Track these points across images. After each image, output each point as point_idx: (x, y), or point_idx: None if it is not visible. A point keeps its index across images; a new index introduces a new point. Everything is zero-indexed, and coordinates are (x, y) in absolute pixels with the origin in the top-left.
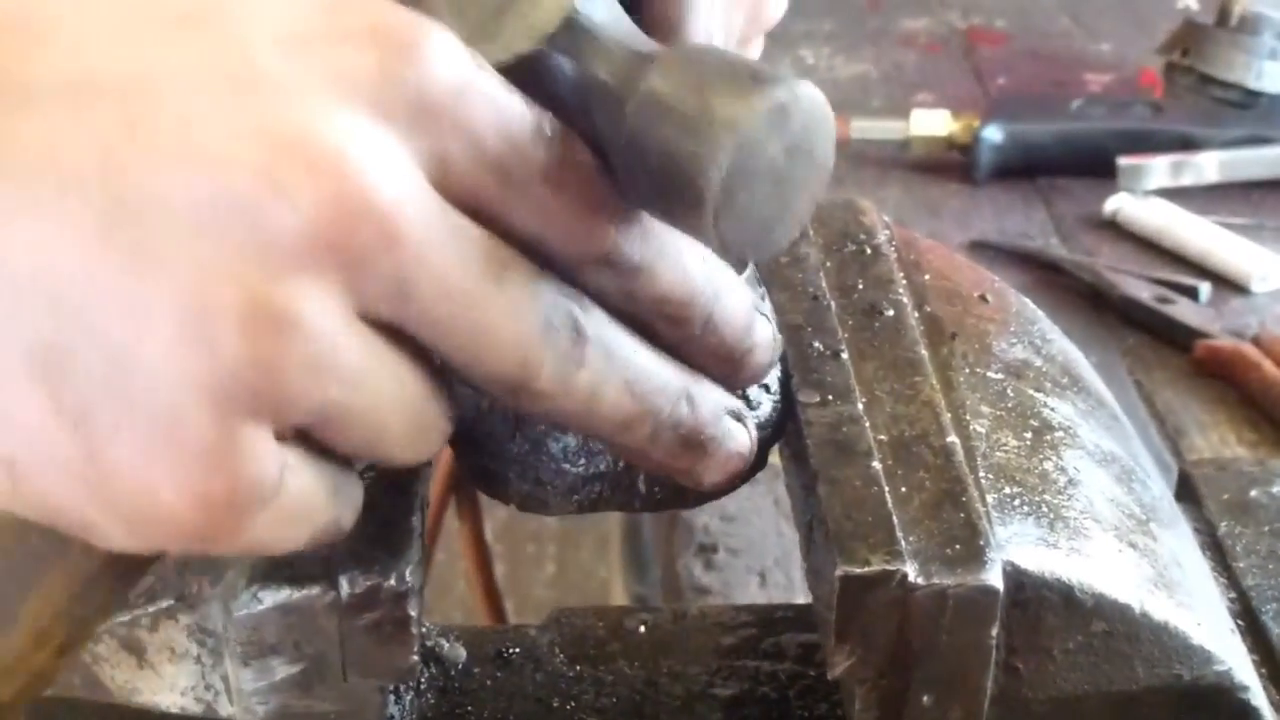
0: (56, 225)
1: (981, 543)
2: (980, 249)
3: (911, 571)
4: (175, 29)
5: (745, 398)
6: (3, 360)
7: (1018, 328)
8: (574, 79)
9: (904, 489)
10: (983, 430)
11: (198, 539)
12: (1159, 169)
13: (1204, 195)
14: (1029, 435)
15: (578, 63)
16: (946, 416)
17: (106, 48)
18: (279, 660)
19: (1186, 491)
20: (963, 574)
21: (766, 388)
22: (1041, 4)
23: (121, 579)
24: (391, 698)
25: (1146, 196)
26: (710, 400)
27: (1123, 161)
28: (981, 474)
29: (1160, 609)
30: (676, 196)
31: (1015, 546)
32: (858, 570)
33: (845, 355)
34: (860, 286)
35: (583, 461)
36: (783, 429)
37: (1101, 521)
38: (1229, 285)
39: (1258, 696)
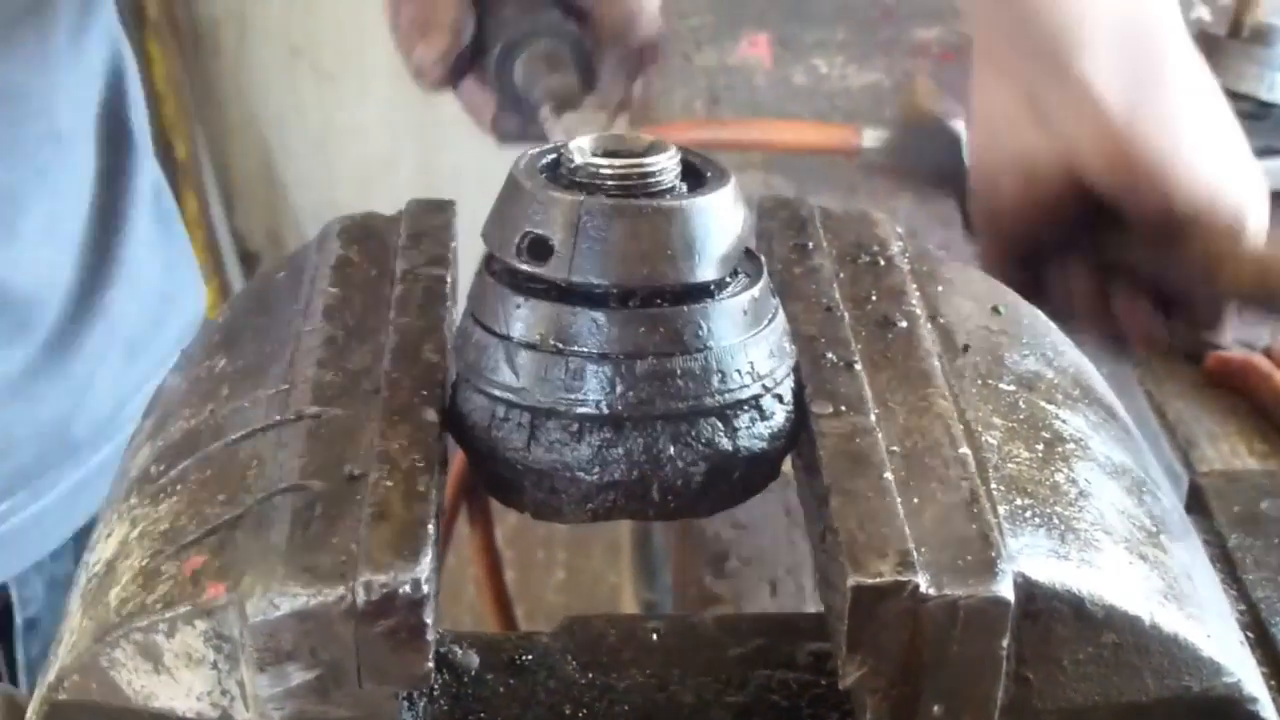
0: None
1: (993, 554)
2: None
3: (923, 582)
4: None
5: (759, 407)
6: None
7: (1030, 340)
8: None
9: (916, 500)
10: (994, 442)
11: None
12: None
13: None
14: (1040, 447)
15: None
16: (959, 428)
17: None
18: (295, 666)
19: (1197, 503)
20: (974, 585)
21: (780, 398)
22: None
23: None
24: (405, 704)
25: None
26: None
27: None
28: (993, 486)
29: (1170, 621)
30: None
31: (1026, 558)
32: (870, 581)
33: (858, 366)
34: (874, 298)
35: (597, 470)
36: (795, 439)
37: (1112, 533)
38: None
39: (1267, 709)
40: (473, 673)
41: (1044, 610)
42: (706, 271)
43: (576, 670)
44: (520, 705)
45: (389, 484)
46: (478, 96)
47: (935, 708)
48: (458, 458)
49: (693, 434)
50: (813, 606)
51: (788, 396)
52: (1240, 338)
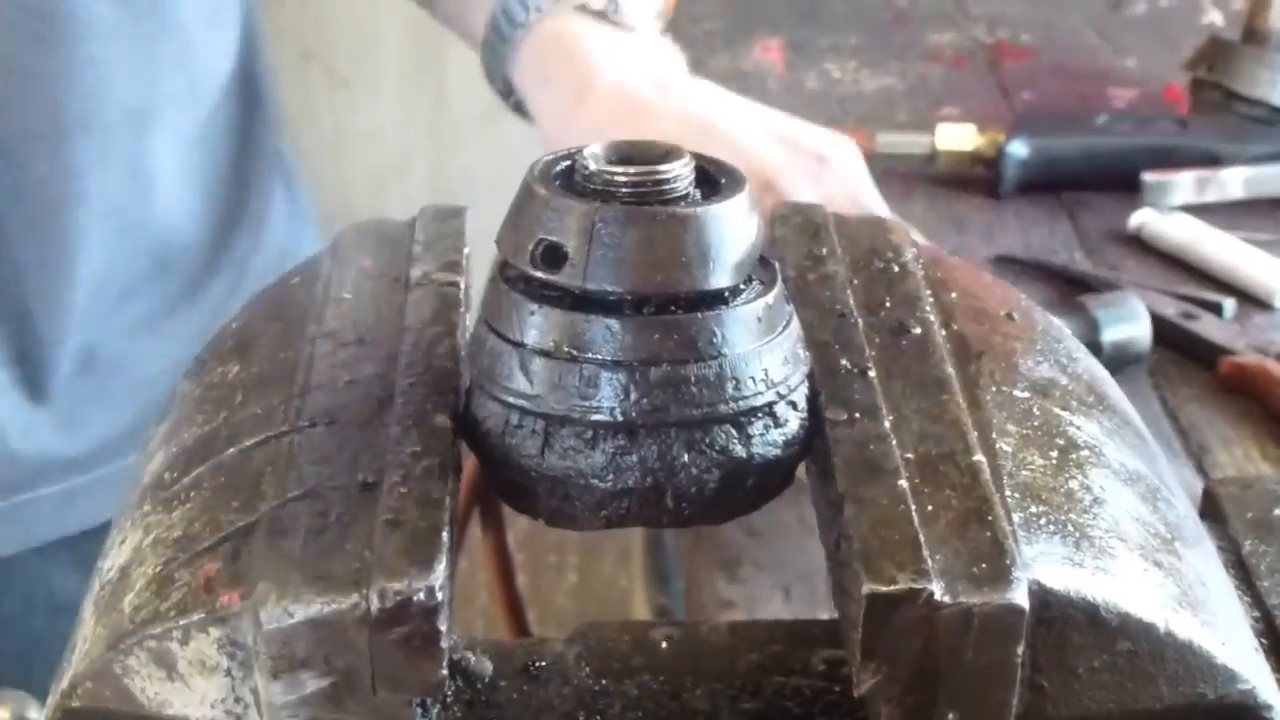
0: None
1: (1007, 561)
2: (1005, 264)
3: (938, 590)
4: None
5: (773, 414)
6: None
7: (1044, 346)
8: None
9: (930, 507)
10: (1009, 449)
11: None
12: (1184, 185)
13: (1229, 211)
14: (1055, 454)
15: None
16: (973, 435)
17: None
18: (309, 674)
19: (1211, 509)
20: (989, 592)
21: (794, 405)
22: (1067, 19)
23: None
24: (419, 710)
25: (1171, 212)
26: None
27: (1148, 177)
28: (1008, 493)
29: (1185, 628)
30: None
31: (1041, 565)
32: (884, 588)
33: (872, 373)
34: (887, 304)
35: (611, 477)
36: (810, 446)
37: (1127, 540)
38: (1254, 301)
39: None
40: (486, 679)
41: (1059, 618)
42: (721, 279)
43: (590, 677)
44: (533, 712)
45: (403, 491)
46: None
47: (950, 715)
48: (469, 463)
49: (707, 441)
50: (826, 614)
51: (802, 403)
52: (1254, 342)
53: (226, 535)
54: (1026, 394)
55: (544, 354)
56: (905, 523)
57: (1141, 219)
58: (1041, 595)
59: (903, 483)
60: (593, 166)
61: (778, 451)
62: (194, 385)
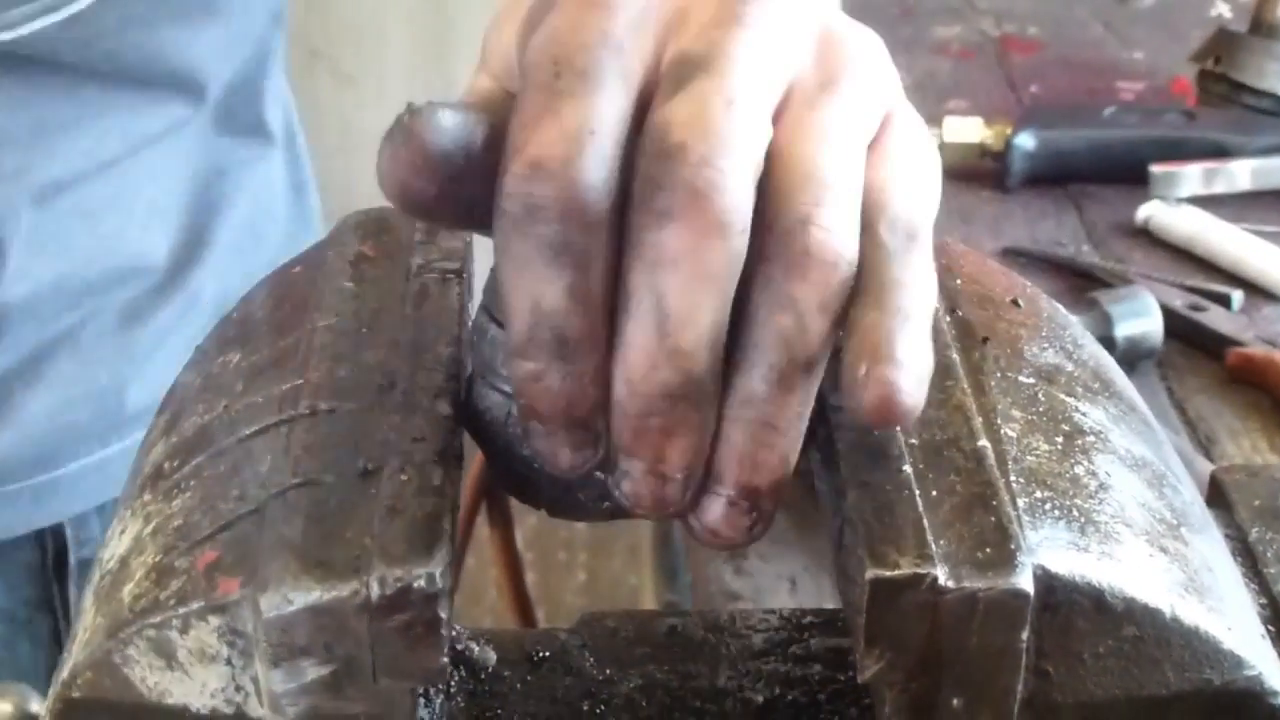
0: None
1: (1012, 546)
2: (1013, 256)
3: (942, 575)
4: None
5: None
6: None
7: (1049, 333)
8: None
9: (935, 493)
10: (1014, 434)
11: None
12: (1191, 177)
13: (1236, 203)
14: (1060, 440)
15: None
16: (978, 421)
17: None
18: (309, 662)
19: (1218, 497)
20: (993, 578)
21: None
22: (1074, 12)
23: None
24: (422, 700)
25: (1179, 204)
26: None
27: (1155, 169)
28: (1012, 478)
29: (1191, 614)
30: None
31: (1046, 550)
32: (888, 574)
33: None
34: None
35: None
36: (814, 433)
37: (1132, 526)
38: (1261, 293)
39: None
40: (489, 669)
41: (1064, 603)
42: None
43: (594, 666)
44: (537, 701)
45: (403, 478)
46: None
47: (954, 701)
48: (476, 459)
49: None
50: (832, 604)
51: None
52: (1261, 334)
53: (226, 524)
54: (1031, 380)
55: None
56: (909, 508)
57: (1149, 211)
58: (1046, 580)
59: (906, 468)
60: None
61: None
62: (195, 375)
